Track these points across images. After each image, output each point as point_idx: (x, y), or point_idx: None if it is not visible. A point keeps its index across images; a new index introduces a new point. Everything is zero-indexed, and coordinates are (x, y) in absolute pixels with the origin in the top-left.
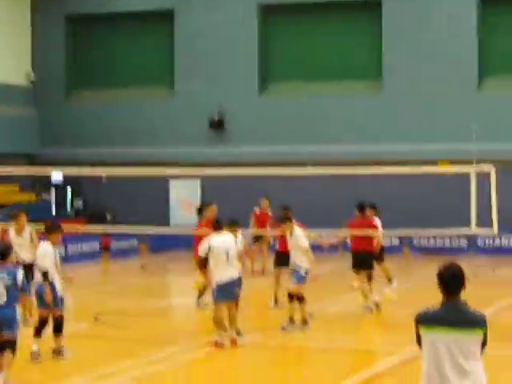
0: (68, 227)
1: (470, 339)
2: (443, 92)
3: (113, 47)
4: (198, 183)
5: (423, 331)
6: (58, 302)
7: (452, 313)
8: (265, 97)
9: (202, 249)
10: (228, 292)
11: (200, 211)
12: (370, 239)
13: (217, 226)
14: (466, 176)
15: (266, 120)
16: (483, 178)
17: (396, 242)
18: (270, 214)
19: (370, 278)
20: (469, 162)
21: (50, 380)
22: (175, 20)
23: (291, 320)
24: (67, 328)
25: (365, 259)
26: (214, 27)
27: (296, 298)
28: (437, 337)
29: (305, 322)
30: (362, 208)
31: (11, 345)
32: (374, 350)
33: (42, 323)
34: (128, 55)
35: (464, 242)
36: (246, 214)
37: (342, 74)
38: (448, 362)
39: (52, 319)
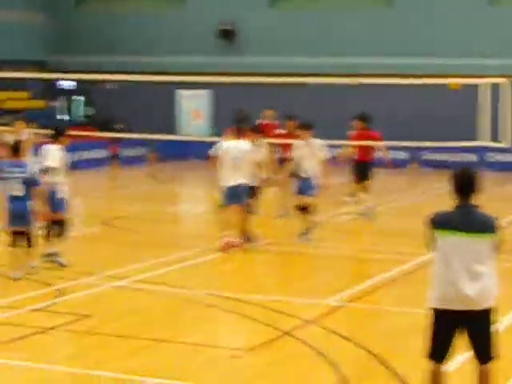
0: (78, 133)
1: (481, 243)
2: (456, 5)
3: None
4: (206, 93)
5: (436, 233)
6: (62, 204)
7: (464, 216)
8: (275, 8)
9: (215, 149)
10: (235, 196)
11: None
12: (371, 149)
13: (237, 131)
14: (478, 89)
15: (276, 31)
16: (496, 92)
17: (405, 155)
18: (275, 123)
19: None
20: (482, 77)
21: (58, 280)
22: None
23: (306, 230)
24: (76, 231)
25: (366, 169)
26: None
27: (307, 208)
28: (449, 239)
29: (309, 230)
30: (364, 119)
31: (29, 239)
32: (383, 258)
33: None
34: None
35: (474, 157)
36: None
37: None
38: (459, 264)
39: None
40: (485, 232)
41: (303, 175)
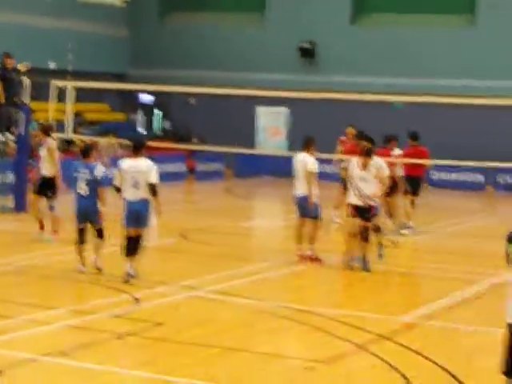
0: (158, 145)
1: None
2: None
3: None
4: (284, 111)
5: None
6: (147, 220)
7: None
8: (356, 27)
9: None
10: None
11: None
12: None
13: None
14: None
15: (357, 50)
16: None
17: (480, 178)
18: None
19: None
20: None
21: (135, 288)
22: None
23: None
24: (153, 242)
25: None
26: None
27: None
28: None
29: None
30: (415, 137)
31: (99, 232)
32: (457, 277)
33: (129, 241)
34: None
35: None
36: (332, 142)
37: (435, 6)
38: None
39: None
40: None
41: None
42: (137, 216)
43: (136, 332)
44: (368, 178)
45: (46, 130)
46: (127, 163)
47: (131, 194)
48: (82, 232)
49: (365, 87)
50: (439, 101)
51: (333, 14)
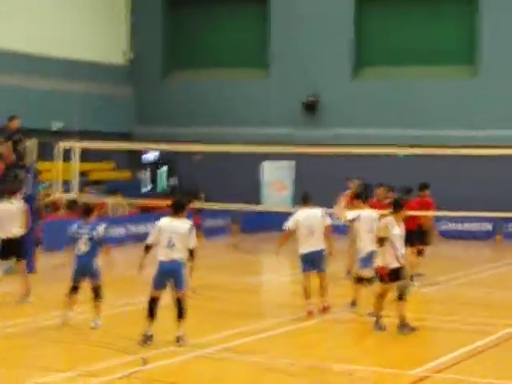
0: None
1: None
2: None
3: (210, 27)
4: (289, 164)
5: None
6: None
7: None
8: (358, 80)
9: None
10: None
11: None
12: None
13: (303, 200)
14: None
15: (359, 104)
16: None
17: (489, 227)
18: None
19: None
20: None
21: (142, 348)
22: (271, 2)
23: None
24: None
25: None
26: (309, 10)
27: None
28: None
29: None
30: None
31: (97, 290)
32: (468, 329)
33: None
34: (224, 36)
35: None
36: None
37: (436, 58)
38: None
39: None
40: None
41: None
42: (171, 277)
43: None
44: (402, 235)
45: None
46: (166, 222)
47: (165, 256)
48: (75, 289)
49: (367, 139)
50: (443, 152)
51: (334, 68)
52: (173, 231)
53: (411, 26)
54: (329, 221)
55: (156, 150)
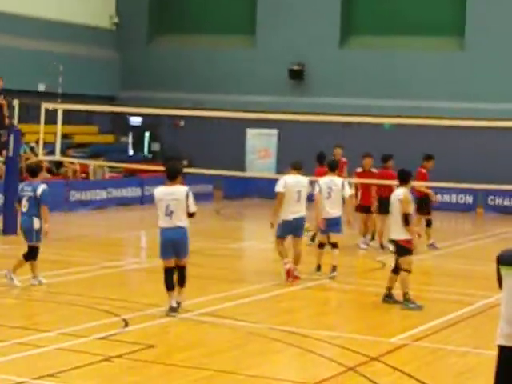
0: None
1: None
2: None
3: None
4: (274, 132)
5: (504, 271)
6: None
7: None
8: (346, 49)
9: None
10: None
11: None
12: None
13: (295, 166)
14: None
15: (346, 73)
16: None
17: (471, 200)
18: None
19: None
20: None
21: (124, 310)
22: None
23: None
24: (140, 264)
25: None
26: None
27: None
28: None
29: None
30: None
31: (31, 251)
32: (447, 299)
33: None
34: (212, 2)
35: None
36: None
37: (424, 29)
38: None
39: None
40: None
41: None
42: (173, 245)
43: (126, 354)
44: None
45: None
46: (161, 191)
47: (166, 223)
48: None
49: (354, 109)
50: (428, 123)
51: (322, 37)
52: (170, 198)
53: None
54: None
55: (139, 114)
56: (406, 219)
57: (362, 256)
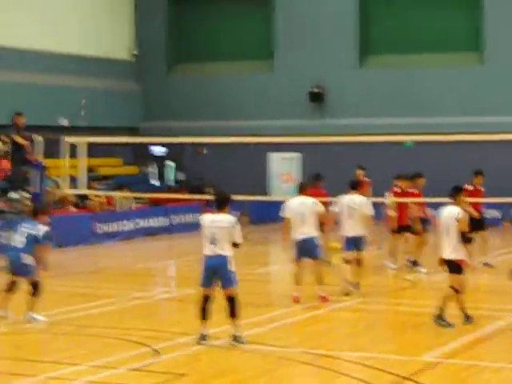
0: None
1: None
2: None
3: (214, 21)
4: (297, 156)
5: None
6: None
7: None
8: (364, 69)
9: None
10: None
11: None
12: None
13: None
14: None
15: (366, 93)
16: None
17: (496, 214)
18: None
19: None
20: None
21: (155, 340)
22: None
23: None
24: (171, 293)
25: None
26: None
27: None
28: None
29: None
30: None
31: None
32: (477, 314)
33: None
34: (228, 29)
35: None
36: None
37: (443, 46)
38: None
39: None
40: None
41: None
42: (215, 273)
43: None
44: None
45: None
46: (208, 218)
47: (210, 250)
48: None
49: (375, 129)
50: (449, 139)
51: (340, 58)
52: (216, 226)
53: (417, 13)
54: (321, 208)
55: (163, 144)
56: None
57: (392, 275)
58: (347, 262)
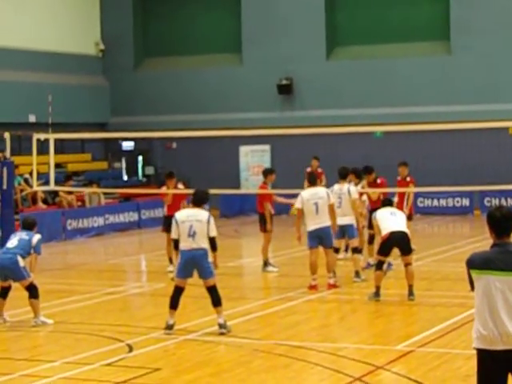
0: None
1: None
2: None
3: (181, 14)
4: (267, 148)
5: (474, 275)
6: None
7: (503, 255)
8: (333, 61)
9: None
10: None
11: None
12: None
13: (310, 180)
14: None
15: (335, 84)
16: None
17: (467, 202)
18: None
19: None
20: None
21: (127, 335)
22: None
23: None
24: (142, 288)
25: None
26: None
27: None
28: (488, 280)
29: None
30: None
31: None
32: (449, 303)
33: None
34: (196, 22)
35: None
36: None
37: (410, 36)
38: (501, 303)
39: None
40: None
41: None
42: (195, 266)
43: (133, 379)
44: None
45: None
46: (184, 213)
47: (189, 243)
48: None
49: (344, 120)
50: (419, 128)
51: (308, 50)
52: (193, 219)
53: (383, 3)
54: (332, 199)
55: (132, 139)
56: None
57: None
58: (335, 250)
